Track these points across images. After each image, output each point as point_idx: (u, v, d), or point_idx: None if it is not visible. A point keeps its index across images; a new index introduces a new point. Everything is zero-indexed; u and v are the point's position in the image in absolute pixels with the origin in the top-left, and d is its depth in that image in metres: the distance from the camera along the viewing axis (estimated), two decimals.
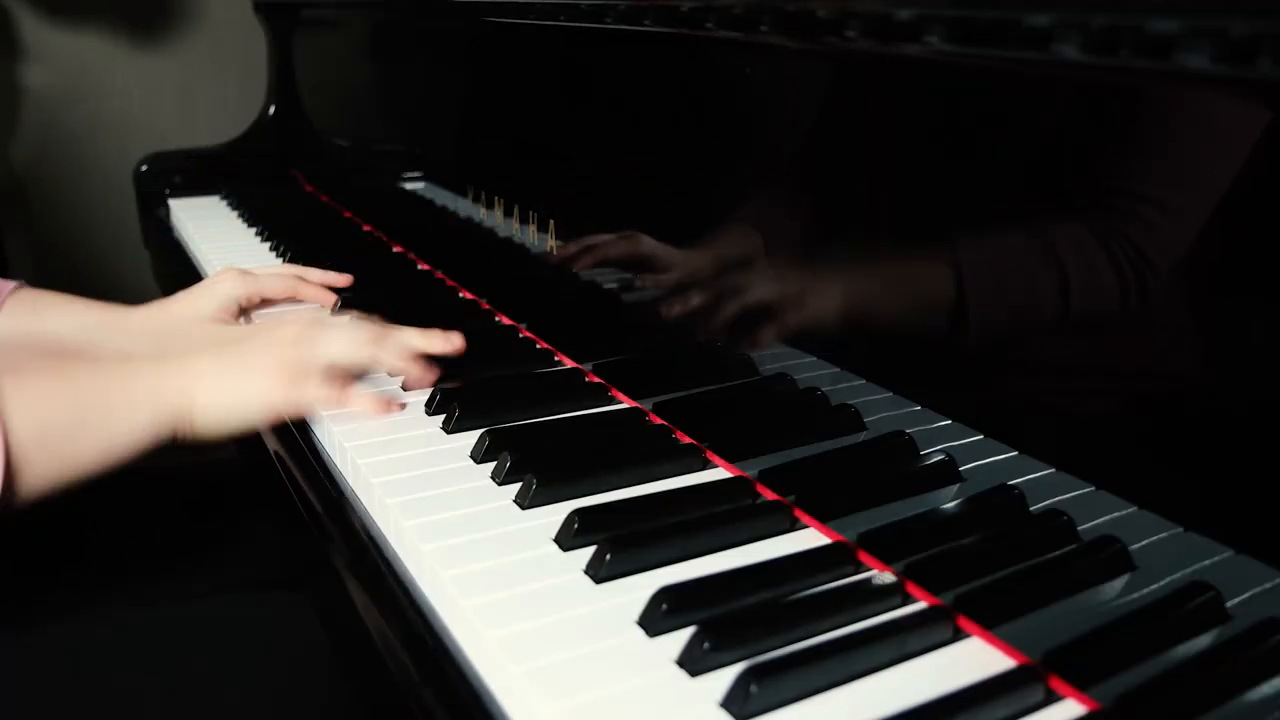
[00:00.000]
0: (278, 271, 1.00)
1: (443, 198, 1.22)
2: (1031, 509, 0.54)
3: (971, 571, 0.52)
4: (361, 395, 0.75)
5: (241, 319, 0.96)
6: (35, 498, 0.63)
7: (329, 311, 0.99)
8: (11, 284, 0.93)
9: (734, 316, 0.72)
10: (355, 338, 0.76)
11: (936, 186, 0.59)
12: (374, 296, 0.99)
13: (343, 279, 1.02)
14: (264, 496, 0.93)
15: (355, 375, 0.78)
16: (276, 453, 0.78)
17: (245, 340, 0.75)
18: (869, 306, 0.65)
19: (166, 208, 1.57)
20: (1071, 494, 0.53)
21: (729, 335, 0.72)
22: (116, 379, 0.68)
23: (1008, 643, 0.49)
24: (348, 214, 1.46)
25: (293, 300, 1.00)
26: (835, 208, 0.67)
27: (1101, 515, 0.51)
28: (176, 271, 1.33)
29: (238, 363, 0.72)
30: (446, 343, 0.79)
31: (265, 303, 0.99)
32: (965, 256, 0.57)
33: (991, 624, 0.50)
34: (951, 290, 0.57)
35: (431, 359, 0.79)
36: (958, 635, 0.50)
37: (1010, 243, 0.55)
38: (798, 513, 0.61)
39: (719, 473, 0.67)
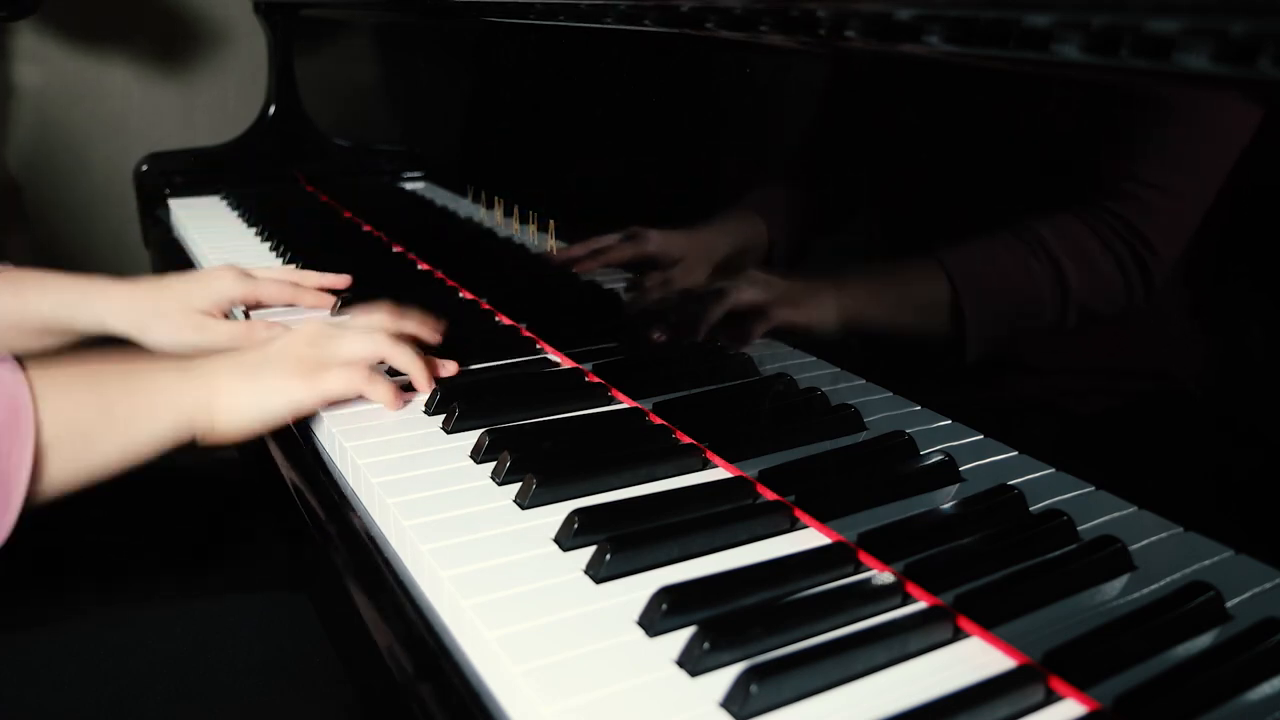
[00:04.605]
0: (276, 276, 1.00)
1: (443, 198, 1.22)
2: (1031, 509, 0.54)
3: (971, 571, 0.52)
4: (379, 380, 0.75)
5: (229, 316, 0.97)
6: (56, 495, 0.65)
7: (330, 313, 1.00)
8: None
9: (733, 318, 0.72)
10: (371, 338, 0.77)
11: (936, 185, 0.59)
12: (374, 297, 0.98)
13: (341, 280, 1.02)
14: (265, 497, 0.93)
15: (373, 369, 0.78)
16: (277, 453, 0.78)
17: (263, 347, 0.76)
18: (869, 306, 0.65)
19: (166, 208, 1.57)
20: (1071, 494, 0.53)
21: (728, 336, 0.72)
22: (142, 383, 0.70)
23: (1008, 643, 0.49)
24: (348, 214, 1.46)
25: (290, 306, 1.00)
26: (834, 207, 0.67)
27: (1101, 515, 0.51)
28: (177, 271, 1.32)
29: (257, 367, 0.74)
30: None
31: (260, 305, 0.99)
32: (963, 255, 0.57)
33: (991, 624, 0.50)
34: (949, 289, 0.57)
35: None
36: (958, 635, 0.50)
37: (1010, 241, 0.55)
38: (798, 513, 0.61)
39: (719, 473, 0.67)
